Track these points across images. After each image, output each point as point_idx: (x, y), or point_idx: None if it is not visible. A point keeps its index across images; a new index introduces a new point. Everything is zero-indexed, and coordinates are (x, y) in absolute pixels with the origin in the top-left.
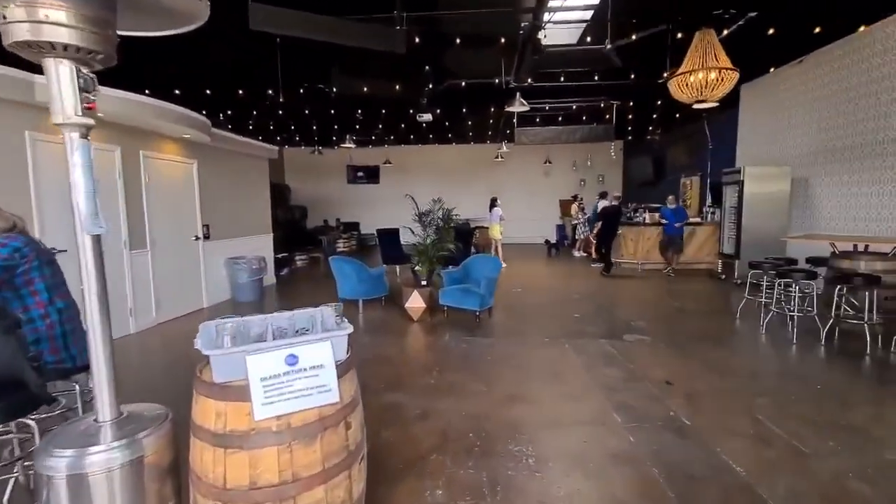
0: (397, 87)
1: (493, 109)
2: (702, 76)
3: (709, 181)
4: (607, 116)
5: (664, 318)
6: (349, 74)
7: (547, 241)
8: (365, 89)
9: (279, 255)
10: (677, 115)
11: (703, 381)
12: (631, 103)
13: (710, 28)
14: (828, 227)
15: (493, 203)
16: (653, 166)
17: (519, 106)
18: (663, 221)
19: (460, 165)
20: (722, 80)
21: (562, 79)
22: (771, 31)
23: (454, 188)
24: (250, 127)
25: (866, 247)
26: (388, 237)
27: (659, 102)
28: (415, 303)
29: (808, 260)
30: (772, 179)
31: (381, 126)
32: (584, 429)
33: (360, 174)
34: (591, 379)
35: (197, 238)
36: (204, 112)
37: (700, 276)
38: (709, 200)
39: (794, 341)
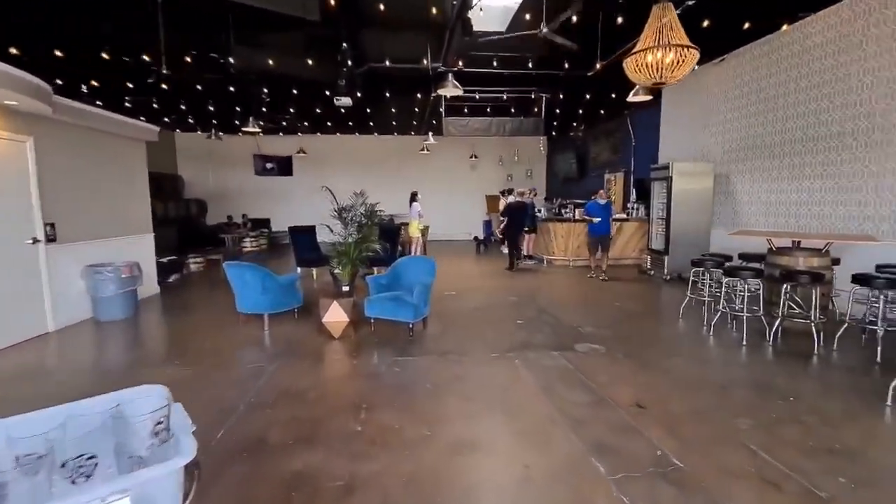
0: (310, 63)
1: (419, 96)
2: (659, 55)
3: (633, 177)
4: (535, 109)
5: (610, 322)
6: (251, 45)
7: (476, 238)
8: (270, 63)
9: (166, 259)
10: (602, 111)
11: (675, 401)
12: (561, 95)
13: (667, 2)
14: (749, 223)
15: (412, 198)
16: (577, 162)
17: (452, 88)
18: (594, 220)
19: (383, 158)
20: (682, 60)
21: (494, 63)
22: (706, 24)
23: (377, 182)
24: (128, 104)
25: (798, 243)
26: (303, 236)
27: (588, 96)
28: (335, 316)
29: (742, 256)
30: (698, 176)
31: (292, 110)
32: (563, 487)
33: (269, 165)
34: (552, 407)
35: (35, 241)
36: (59, 81)
37: (628, 272)
38: (633, 196)
39: (745, 343)
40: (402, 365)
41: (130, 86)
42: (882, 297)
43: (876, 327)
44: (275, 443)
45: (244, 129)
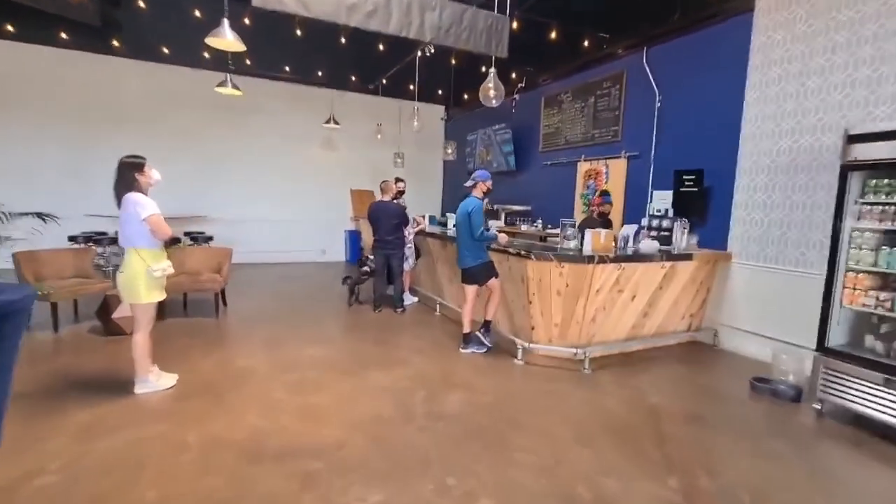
0: None
1: None
2: None
3: (653, 168)
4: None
5: None
6: None
7: (346, 279)
8: None
9: None
10: (586, 43)
11: None
12: None
13: None
14: None
15: (124, 178)
16: (513, 143)
17: None
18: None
19: (150, 107)
20: None
21: None
22: None
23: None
24: None
25: None
26: None
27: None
28: None
29: None
30: None
31: None
32: None
33: None
34: None
35: None
36: None
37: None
38: (654, 205)
39: None
40: None
41: None
42: None
43: None
44: None
45: None
